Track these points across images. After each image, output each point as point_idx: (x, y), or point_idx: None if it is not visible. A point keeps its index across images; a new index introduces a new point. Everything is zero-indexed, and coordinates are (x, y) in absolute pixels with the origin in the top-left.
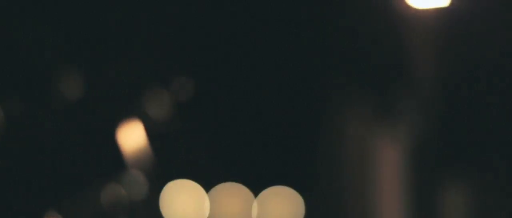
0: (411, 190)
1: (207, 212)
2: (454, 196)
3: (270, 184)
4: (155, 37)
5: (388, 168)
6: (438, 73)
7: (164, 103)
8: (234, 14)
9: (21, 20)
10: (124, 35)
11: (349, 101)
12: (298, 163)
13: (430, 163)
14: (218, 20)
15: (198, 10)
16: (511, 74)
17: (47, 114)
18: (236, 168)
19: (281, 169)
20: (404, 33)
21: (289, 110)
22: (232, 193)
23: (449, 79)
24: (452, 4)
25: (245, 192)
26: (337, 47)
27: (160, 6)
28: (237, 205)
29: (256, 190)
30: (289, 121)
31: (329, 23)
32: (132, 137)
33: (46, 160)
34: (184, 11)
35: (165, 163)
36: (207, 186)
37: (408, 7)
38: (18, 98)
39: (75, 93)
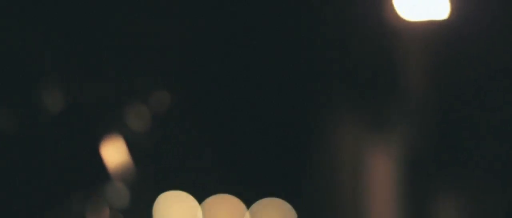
0: (404, 200)
1: None
2: (448, 205)
3: (263, 196)
4: (140, 50)
5: (381, 179)
6: (431, 84)
7: (154, 115)
8: (225, 24)
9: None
10: (106, 49)
11: (342, 113)
12: (290, 175)
13: (423, 174)
14: (208, 31)
15: (185, 23)
16: (505, 86)
17: (29, 127)
18: (228, 179)
19: (274, 180)
20: (398, 45)
21: (282, 122)
22: (225, 204)
23: (442, 90)
24: (445, 17)
25: (237, 204)
26: (330, 60)
27: (143, 19)
28: (229, 217)
29: (248, 201)
30: (282, 133)
31: (323, 35)
32: (116, 150)
33: (28, 174)
34: (170, 23)
35: (158, 175)
36: (200, 198)
37: (402, 20)
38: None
39: (57, 106)
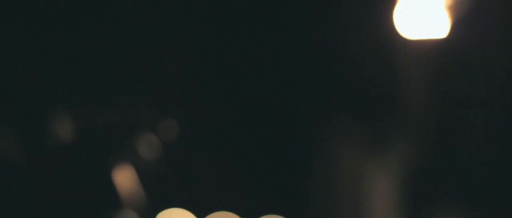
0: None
1: None
2: None
3: (262, 213)
4: (144, 77)
5: (381, 198)
6: (431, 104)
7: (155, 140)
8: (222, 48)
9: (14, 62)
10: (114, 77)
11: (341, 132)
12: (290, 193)
13: (423, 194)
14: (208, 58)
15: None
16: (506, 106)
17: (38, 157)
18: (228, 196)
19: (273, 198)
20: (398, 64)
21: (281, 139)
22: None
23: (442, 107)
24: (446, 36)
25: None
26: (329, 78)
27: (151, 47)
28: None
29: None
30: (281, 151)
31: (321, 54)
32: (124, 176)
33: (38, 203)
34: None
35: (158, 193)
36: (200, 215)
37: (403, 39)
38: (9, 140)
39: (67, 135)
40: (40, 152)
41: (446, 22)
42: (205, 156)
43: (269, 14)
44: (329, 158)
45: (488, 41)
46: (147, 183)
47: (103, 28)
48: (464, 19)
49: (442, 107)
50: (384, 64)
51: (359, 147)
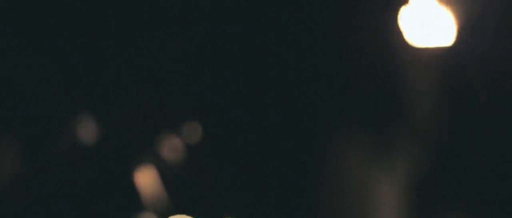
0: None
1: None
2: None
3: None
4: (166, 80)
5: (388, 202)
6: (438, 110)
7: (175, 147)
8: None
9: (33, 68)
10: (136, 79)
11: (348, 138)
12: (297, 199)
13: (429, 199)
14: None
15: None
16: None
17: (59, 160)
18: (236, 203)
19: (281, 204)
20: (404, 71)
21: (288, 146)
22: None
23: (448, 114)
24: (453, 43)
25: None
26: (336, 85)
27: (173, 50)
28: None
29: None
30: (289, 156)
31: (329, 60)
32: (146, 180)
33: (60, 204)
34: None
35: (171, 201)
36: None
37: (409, 46)
38: (31, 143)
39: (89, 139)
40: (63, 154)
41: (452, 29)
42: (211, 162)
43: (278, 19)
44: (337, 163)
45: (493, 48)
46: (159, 188)
47: (126, 32)
48: (469, 26)
49: (448, 112)
50: (391, 70)
51: (366, 152)
